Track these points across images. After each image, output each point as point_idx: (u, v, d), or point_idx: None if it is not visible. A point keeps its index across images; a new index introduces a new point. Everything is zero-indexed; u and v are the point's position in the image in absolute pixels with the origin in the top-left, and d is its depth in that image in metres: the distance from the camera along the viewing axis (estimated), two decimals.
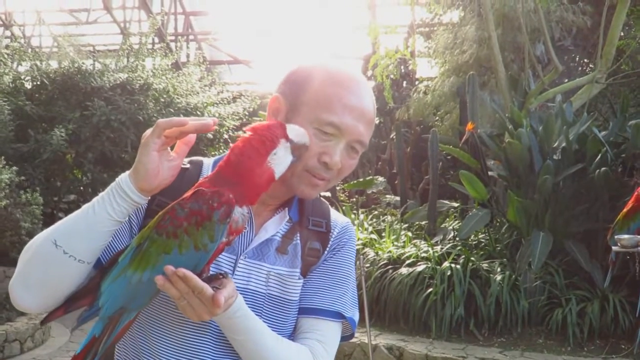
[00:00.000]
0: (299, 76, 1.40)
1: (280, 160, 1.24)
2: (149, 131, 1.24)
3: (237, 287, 1.32)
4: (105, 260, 1.32)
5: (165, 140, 1.23)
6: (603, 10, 7.71)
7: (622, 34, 8.64)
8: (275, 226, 1.43)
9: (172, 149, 1.29)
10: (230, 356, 1.37)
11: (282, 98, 1.39)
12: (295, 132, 1.27)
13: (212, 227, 1.17)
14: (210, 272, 1.27)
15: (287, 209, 1.45)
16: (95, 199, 1.26)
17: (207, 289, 1.15)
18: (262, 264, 1.40)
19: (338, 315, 1.45)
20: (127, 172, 1.25)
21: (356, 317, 1.50)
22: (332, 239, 1.49)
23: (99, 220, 1.24)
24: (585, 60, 10.98)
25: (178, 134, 1.24)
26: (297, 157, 1.28)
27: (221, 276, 1.24)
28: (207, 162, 1.48)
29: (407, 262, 6.49)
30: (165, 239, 1.18)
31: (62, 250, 1.23)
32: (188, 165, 1.43)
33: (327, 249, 1.48)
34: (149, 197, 1.28)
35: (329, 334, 1.45)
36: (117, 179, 1.25)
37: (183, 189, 1.29)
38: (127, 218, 1.28)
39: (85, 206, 1.27)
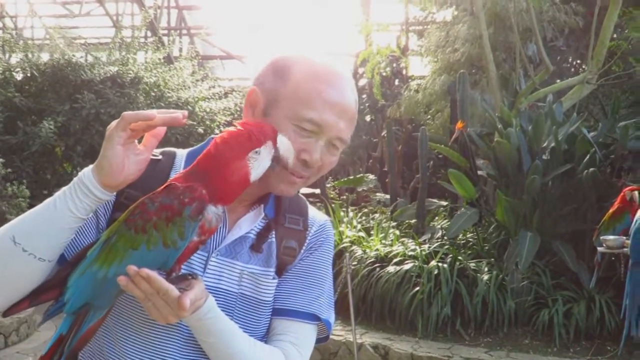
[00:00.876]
0: (278, 68, 1.35)
1: (259, 163, 1.19)
2: (113, 123, 1.17)
3: (208, 286, 1.28)
4: (69, 257, 1.27)
5: (132, 133, 1.17)
6: (595, 11, 7.70)
7: (614, 35, 8.64)
8: (249, 223, 1.38)
9: (139, 141, 1.22)
10: (199, 358, 1.33)
11: (260, 91, 1.34)
12: (284, 144, 1.22)
13: (182, 223, 1.12)
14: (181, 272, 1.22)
15: (262, 205, 1.40)
16: (56, 194, 1.20)
17: (173, 290, 1.11)
18: (235, 262, 1.35)
19: (313, 317, 1.41)
20: (90, 167, 1.19)
21: (332, 319, 1.46)
22: (309, 237, 1.45)
23: (60, 216, 1.18)
24: (578, 61, 10.98)
25: (145, 127, 1.18)
26: (274, 167, 1.23)
27: (190, 277, 1.20)
28: (181, 153, 1.43)
29: (395, 260, 6.47)
30: (133, 233, 1.13)
31: (21, 248, 1.17)
32: (160, 157, 1.38)
33: (304, 247, 1.43)
34: (114, 193, 1.23)
35: (303, 336, 1.41)
36: (79, 174, 1.19)
37: (154, 181, 1.25)
38: (90, 215, 1.22)
39: (46, 201, 1.21)
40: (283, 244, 1.40)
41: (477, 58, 9.17)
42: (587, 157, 6.15)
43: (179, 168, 1.38)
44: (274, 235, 1.40)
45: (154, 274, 1.09)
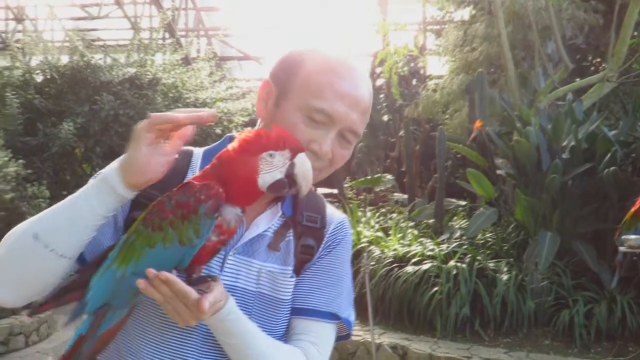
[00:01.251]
0: (291, 61, 1.35)
1: (270, 168, 1.16)
2: (141, 124, 1.17)
3: (225, 284, 1.27)
4: (88, 255, 1.27)
5: (158, 134, 1.17)
6: (615, 8, 7.62)
7: (634, 32, 8.54)
8: (267, 221, 1.36)
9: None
10: (218, 358, 1.32)
11: (273, 82, 1.34)
12: (303, 165, 1.18)
13: (197, 220, 1.12)
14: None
15: (280, 203, 1.38)
16: (79, 192, 1.20)
17: (192, 293, 1.10)
18: (252, 261, 1.34)
19: (333, 317, 1.40)
20: (114, 166, 1.19)
21: (352, 317, 1.45)
22: (327, 236, 1.43)
23: (82, 214, 1.18)
24: (597, 59, 10.87)
25: (172, 128, 1.18)
26: (282, 188, 1.18)
27: (209, 279, 1.19)
28: (197, 152, 1.43)
29: (413, 260, 6.44)
30: (150, 231, 1.13)
31: (42, 245, 1.17)
32: (176, 155, 1.39)
33: (322, 245, 1.42)
34: (137, 192, 1.23)
35: (323, 335, 1.40)
36: (103, 172, 1.19)
37: (171, 180, 1.25)
38: (113, 213, 1.22)
39: (68, 198, 1.21)
40: (301, 242, 1.39)
41: (496, 57, 9.11)
42: (608, 155, 6.07)
43: (196, 166, 1.38)
44: (291, 234, 1.39)
45: (173, 277, 1.09)
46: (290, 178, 1.18)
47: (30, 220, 1.23)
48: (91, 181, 1.22)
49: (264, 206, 1.38)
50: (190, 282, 1.15)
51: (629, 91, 8.98)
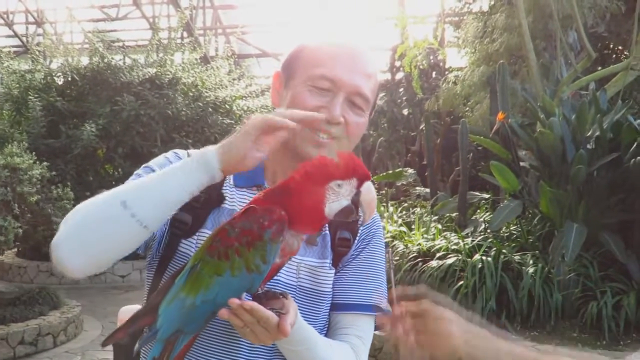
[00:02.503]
0: (296, 49, 1.42)
1: (338, 197, 1.15)
2: (257, 119, 1.21)
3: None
4: (142, 250, 1.34)
5: (267, 131, 1.22)
6: None
7: None
8: None
9: None
10: (264, 355, 1.35)
11: (281, 71, 1.42)
12: (369, 193, 1.24)
13: (263, 247, 1.13)
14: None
15: None
16: (171, 168, 1.24)
17: (273, 318, 1.13)
18: None
19: (374, 309, 1.44)
20: (212, 148, 1.23)
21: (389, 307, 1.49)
22: (361, 228, 1.47)
23: (173, 189, 1.21)
24: (620, 47, 10.73)
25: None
26: (347, 215, 1.18)
27: (281, 296, 1.21)
28: None
29: (437, 254, 6.41)
30: (217, 260, 1.14)
31: (130, 213, 1.19)
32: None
33: (357, 238, 1.46)
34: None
35: (366, 327, 1.45)
36: (199, 153, 1.23)
37: None
38: (199, 192, 1.25)
39: (158, 174, 1.25)
40: (337, 236, 1.42)
41: (517, 47, 9.02)
42: (634, 145, 5.98)
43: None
44: (327, 228, 1.42)
45: (257, 305, 1.11)
46: (355, 205, 1.17)
47: (119, 188, 1.26)
48: (183, 160, 1.26)
49: None
50: (258, 297, 1.17)
51: None
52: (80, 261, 1.22)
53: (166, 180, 1.22)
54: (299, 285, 1.38)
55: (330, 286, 1.42)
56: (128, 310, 1.79)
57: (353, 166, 1.16)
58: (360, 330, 1.43)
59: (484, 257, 6.02)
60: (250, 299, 1.17)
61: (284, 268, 1.34)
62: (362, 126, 1.40)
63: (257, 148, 1.22)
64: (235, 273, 1.13)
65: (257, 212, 1.15)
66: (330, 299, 1.43)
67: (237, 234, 1.14)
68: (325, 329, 1.45)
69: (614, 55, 10.75)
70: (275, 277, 1.34)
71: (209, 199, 1.31)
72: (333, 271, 1.42)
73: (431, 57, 12.14)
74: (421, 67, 11.21)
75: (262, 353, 1.35)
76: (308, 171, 1.15)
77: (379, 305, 1.45)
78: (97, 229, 1.21)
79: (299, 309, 1.35)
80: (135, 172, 1.41)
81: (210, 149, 1.22)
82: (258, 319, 1.12)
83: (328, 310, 1.44)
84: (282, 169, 1.36)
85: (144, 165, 1.42)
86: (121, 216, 1.19)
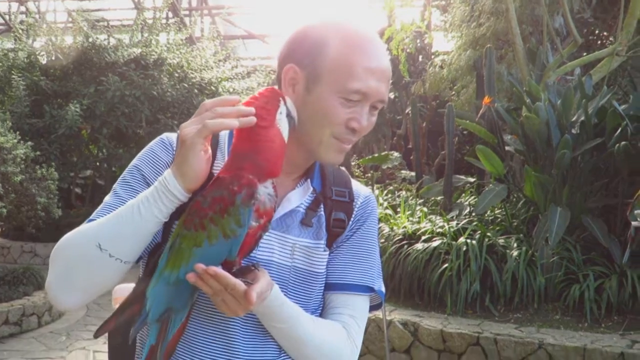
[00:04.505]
0: (313, 42, 1.34)
1: (283, 122, 1.23)
2: (191, 129, 1.19)
3: (261, 259, 1.33)
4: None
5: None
6: None
7: None
8: (299, 197, 1.41)
9: None
10: (260, 333, 1.36)
11: (298, 67, 1.34)
12: (288, 100, 1.28)
13: (237, 211, 1.15)
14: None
15: (309, 179, 1.43)
16: (137, 201, 1.24)
17: (240, 285, 1.13)
18: (286, 236, 1.38)
19: (368, 289, 1.46)
20: (171, 172, 1.22)
21: (383, 288, 1.51)
22: (356, 209, 1.48)
23: (145, 222, 1.22)
24: (605, 33, 10.78)
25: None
26: (291, 125, 1.27)
27: (253, 267, 1.23)
28: (223, 132, 1.44)
29: (423, 237, 6.45)
30: (194, 232, 1.16)
31: (107, 254, 1.22)
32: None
33: (352, 219, 1.47)
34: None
35: (359, 308, 1.46)
36: (160, 180, 1.23)
37: None
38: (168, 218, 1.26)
39: (126, 208, 1.24)
40: (332, 216, 1.44)
41: (503, 32, 9.04)
42: (619, 130, 6.04)
43: (224, 146, 1.42)
44: (322, 209, 1.43)
45: (221, 271, 1.11)
46: (289, 115, 1.27)
47: (88, 228, 1.27)
48: (148, 191, 1.25)
49: (294, 182, 1.43)
50: (234, 273, 1.17)
51: (637, 65, 8.90)
52: (72, 299, 1.28)
53: (134, 214, 1.22)
54: (293, 266, 1.38)
55: (324, 267, 1.43)
56: (122, 289, 1.80)
57: (275, 92, 1.25)
58: (354, 310, 1.44)
59: (468, 240, 6.07)
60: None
61: (277, 248, 1.36)
62: (374, 123, 1.41)
63: (205, 152, 1.22)
64: (212, 241, 1.15)
65: (225, 180, 1.17)
66: (324, 279, 1.44)
67: (210, 203, 1.16)
68: (320, 309, 1.46)
69: (599, 41, 10.79)
70: (269, 258, 1.35)
71: None
72: (327, 252, 1.43)
73: (418, 41, 12.12)
74: (408, 50, 11.19)
75: (252, 330, 1.35)
76: (256, 125, 1.19)
77: (372, 286, 1.46)
78: (82, 272, 1.25)
79: (294, 290, 1.38)
80: (120, 178, 1.40)
81: (168, 174, 1.22)
82: (225, 285, 1.12)
83: (322, 291, 1.45)
84: (288, 160, 1.33)
85: (130, 166, 1.41)
86: (100, 258, 1.23)
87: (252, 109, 1.18)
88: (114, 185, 1.38)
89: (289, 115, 1.26)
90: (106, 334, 1.44)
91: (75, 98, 10.09)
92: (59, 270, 1.26)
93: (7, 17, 17.55)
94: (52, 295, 1.28)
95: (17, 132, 7.08)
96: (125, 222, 1.23)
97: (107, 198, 1.37)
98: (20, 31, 11.31)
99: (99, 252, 1.22)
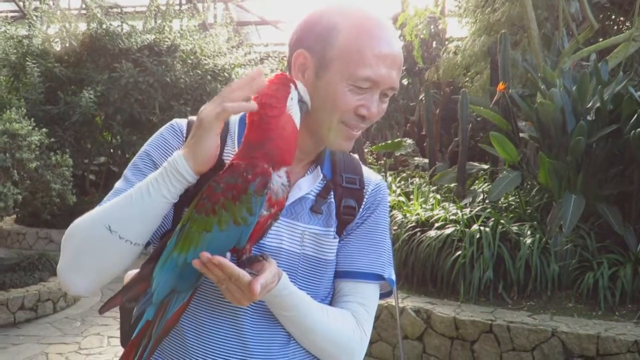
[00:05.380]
0: (323, 28, 1.33)
1: (295, 108, 1.23)
2: (209, 111, 1.20)
3: (270, 246, 1.33)
4: (153, 238, 1.34)
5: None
6: None
7: None
8: (309, 184, 1.41)
9: None
10: (269, 319, 1.36)
11: (308, 53, 1.33)
12: (300, 85, 1.27)
13: (249, 199, 1.15)
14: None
15: (319, 166, 1.43)
16: (146, 182, 1.24)
17: (244, 276, 1.13)
18: (296, 223, 1.38)
19: (377, 277, 1.45)
20: (181, 154, 1.22)
21: (393, 276, 1.50)
22: (366, 196, 1.48)
23: (154, 204, 1.23)
24: (622, 18, 10.65)
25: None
26: (302, 109, 1.27)
27: (261, 258, 1.23)
28: (233, 118, 1.44)
29: (436, 224, 6.43)
30: (204, 216, 1.16)
31: (117, 236, 1.23)
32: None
33: (362, 206, 1.46)
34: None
35: (369, 295, 1.46)
36: (170, 161, 1.23)
37: None
38: (177, 198, 1.27)
39: (135, 190, 1.25)
40: (342, 204, 1.43)
41: (518, 17, 8.95)
42: (635, 117, 5.98)
43: (234, 133, 1.41)
44: (332, 196, 1.43)
45: (225, 261, 1.11)
46: (301, 100, 1.27)
47: (99, 212, 1.27)
48: (157, 172, 1.25)
49: (304, 169, 1.43)
50: (242, 263, 1.18)
51: None
52: (83, 284, 1.29)
53: (143, 195, 1.23)
54: (303, 253, 1.38)
55: (334, 254, 1.42)
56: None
57: (284, 78, 1.24)
58: (363, 298, 1.44)
59: (482, 228, 6.05)
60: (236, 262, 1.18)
61: (286, 235, 1.36)
62: (385, 110, 1.40)
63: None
64: (223, 227, 1.15)
65: (240, 167, 1.17)
66: (334, 267, 1.44)
67: (223, 189, 1.16)
68: (329, 297, 1.46)
69: (615, 27, 10.66)
70: (278, 245, 1.35)
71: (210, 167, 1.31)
72: (337, 239, 1.42)
73: (432, 27, 12.03)
74: (422, 36, 11.12)
75: (262, 319, 1.36)
76: (266, 113, 1.19)
77: (382, 274, 1.46)
78: (92, 255, 1.26)
79: (303, 277, 1.38)
80: (131, 163, 1.40)
81: (178, 156, 1.22)
82: (229, 275, 1.12)
83: (332, 279, 1.44)
84: (298, 147, 1.32)
85: (141, 151, 1.41)
86: (110, 240, 1.23)
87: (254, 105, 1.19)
88: (125, 171, 1.39)
89: (301, 101, 1.26)
90: (119, 320, 1.45)
91: (89, 85, 10.11)
92: (70, 254, 1.27)
93: (21, 4, 17.59)
94: (62, 279, 1.29)
95: (32, 119, 7.11)
96: (135, 203, 1.23)
97: (117, 183, 1.37)
98: (35, 18, 11.33)
99: (108, 234, 1.22)
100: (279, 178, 1.19)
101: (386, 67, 1.31)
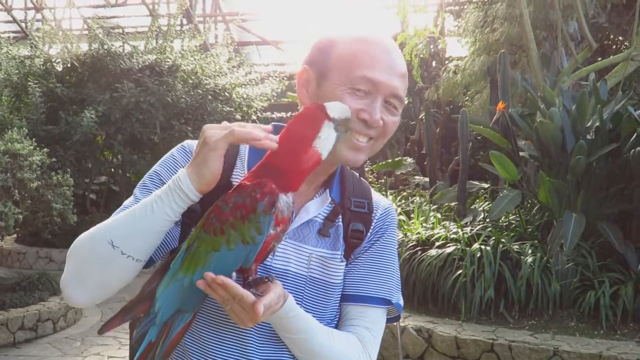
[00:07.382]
0: (323, 44, 1.37)
1: (325, 142, 1.21)
2: (217, 132, 1.21)
3: (276, 269, 1.33)
4: (155, 257, 1.35)
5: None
6: None
7: None
8: (317, 207, 1.40)
9: None
10: (274, 340, 1.36)
11: (310, 67, 1.37)
12: (336, 108, 1.24)
13: (257, 219, 1.15)
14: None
15: (328, 190, 1.42)
16: (150, 199, 1.25)
17: (248, 296, 1.13)
18: (303, 245, 1.37)
19: (385, 302, 1.44)
20: (185, 172, 1.23)
21: (401, 301, 1.49)
22: (375, 221, 1.47)
23: (157, 221, 1.23)
24: (620, 37, 10.72)
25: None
26: (342, 131, 1.25)
27: (267, 279, 1.22)
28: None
29: (436, 243, 6.43)
30: (212, 236, 1.16)
31: (119, 251, 1.23)
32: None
33: (370, 230, 1.46)
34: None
35: (376, 320, 1.44)
36: (174, 179, 1.23)
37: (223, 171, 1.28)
38: (180, 217, 1.28)
39: (139, 206, 1.26)
40: (350, 227, 1.42)
41: (517, 37, 9.02)
42: (634, 136, 5.99)
43: (244, 156, 1.42)
44: (340, 220, 1.42)
45: (228, 281, 1.12)
46: (337, 125, 1.24)
47: (103, 228, 1.28)
48: (161, 189, 1.26)
49: (313, 191, 1.43)
50: (247, 284, 1.18)
51: None
52: (86, 298, 1.30)
53: (147, 212, 1.23)
54: (310, 276, 1.38)
55: (341, 278, 1.42)
56: None
57: (316, 115, 1.21)
58: (370, 322, 1.43)
59: (482, 246, 6.04)
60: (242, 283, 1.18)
61: (294, 258, 1.36)
62: (396, 125, 1.40)
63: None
64: (231, 247, 1.15)
65: (248, 187, 1.17)
66: (341, 290, 1.43)
67: (232, 209, 1.16)
68: (335, 320, 1.45)
69: (614, 46, 10.73)
70: (285, 267, 1.35)
71: (217, 187, 1.30)
72: (344, 263, 1.42)
73: (431, 46, 12.11)
74: (421, 56, 11.18)
75: (269, 342, 1.35)
76: (291, 148, 1.19)
77: (389, 299, 1.45)
78: (94, 269, 1.26)
79: (310, 300, 1.38)
80: (140, 182, 1.41)
81: (182, 174, 1.23)
82: (233, 295, 1.12)
83: (338, 302, 1.44)
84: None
85: (151, 171, 1.42)
86: (112, 255, 1.24)
87: (274, 144, 1.19)
88: (135, 190, 1.40)
89: (336, 128, 1.23)
90: (128, 339, 1.45)
91: (91, 105, 10.15)
92: (73, 267, 1.28)
93: (23, 24, 17.74)
94: (65, 292, 1.30)
95: (33, 139, 7.13)
96: (138, 220, 1.24)
97: (126, 201, 1.38)
98: (37, 38, 11.42)
99: (111, 249, 1.23)
100: (284, 197, 1.19)
101: (384, 72, 1.32)
